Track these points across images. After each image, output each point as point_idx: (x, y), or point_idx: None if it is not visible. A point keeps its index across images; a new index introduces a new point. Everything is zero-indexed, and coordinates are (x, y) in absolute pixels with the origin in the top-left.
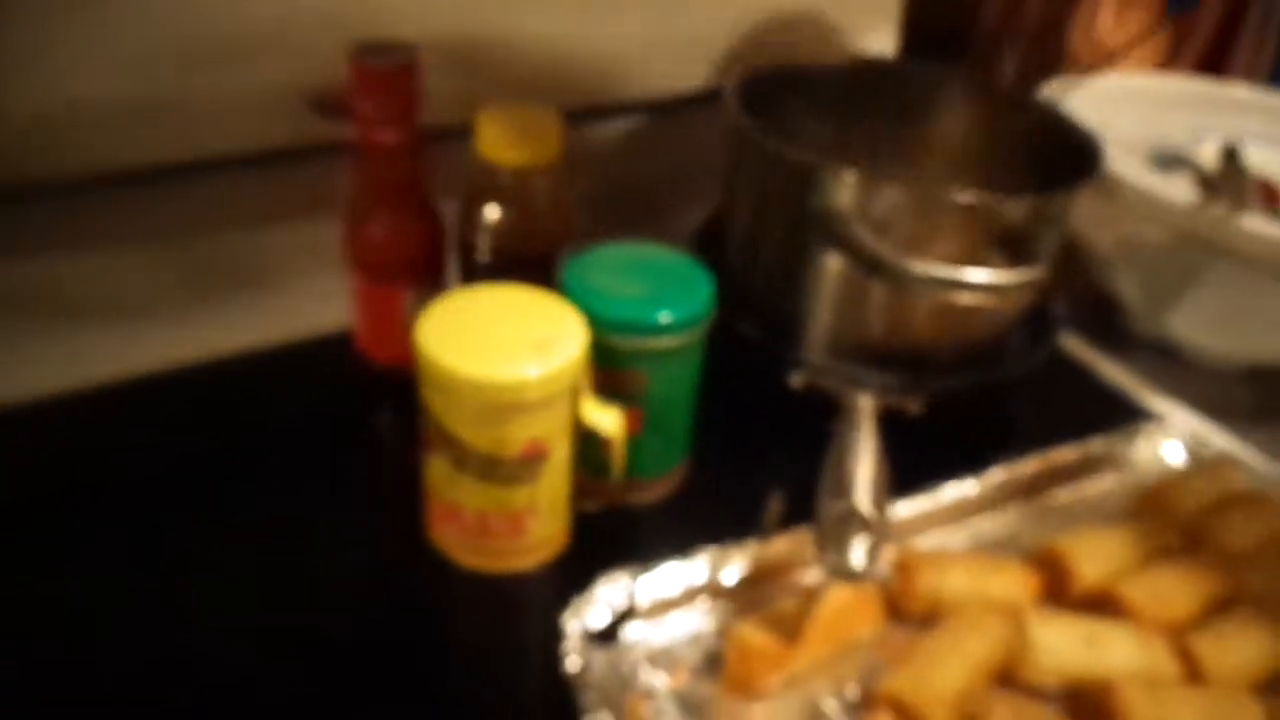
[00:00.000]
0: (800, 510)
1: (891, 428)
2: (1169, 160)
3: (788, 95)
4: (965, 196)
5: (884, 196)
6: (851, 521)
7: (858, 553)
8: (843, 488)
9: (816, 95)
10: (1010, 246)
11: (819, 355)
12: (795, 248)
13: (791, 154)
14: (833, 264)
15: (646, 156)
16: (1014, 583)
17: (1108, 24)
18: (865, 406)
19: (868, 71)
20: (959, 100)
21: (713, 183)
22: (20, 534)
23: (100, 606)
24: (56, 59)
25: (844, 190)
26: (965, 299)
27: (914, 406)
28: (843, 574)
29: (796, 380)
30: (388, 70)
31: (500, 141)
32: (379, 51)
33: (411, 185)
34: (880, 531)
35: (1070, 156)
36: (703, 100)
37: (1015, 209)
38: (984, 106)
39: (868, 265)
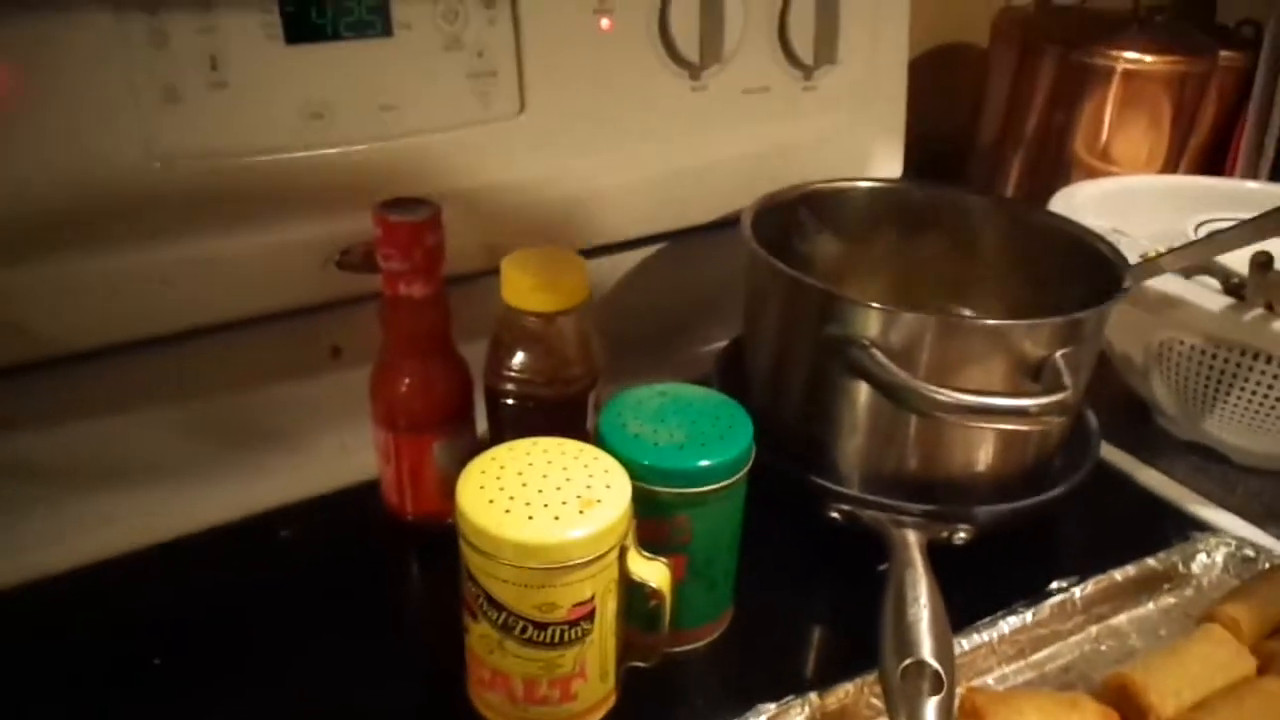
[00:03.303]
0: (853, 652)
1: (936, 557)
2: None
3: (801, 221)
4: (990, 321)
5: (905, 325)
6: (921, 678)
7: (930, 714)
8: (906, 641)
9: (830, 219)
10: (1041, 367)
11: (855, 487)
12: (821, 376)
13: (809, 283)
14: (862, 393)
15: (665, 286)
16: None
17: (1110, 129)
18: (914, 541)
19: (880, 193)
20: (977, 218)
21: (733, 306)
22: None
23: None
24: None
25: (864, 319)
26: (995, 425)
27: (961, 537)
28: None
29: (835, 516)
30: (414, 223)
31: (526, 288)
32: (401, 207)
33: (439, 335)
34: (951, 685)
35: (1095, 268)
36: (717, 226)
37: (1044, 332)
38: (1003, 222)
39: (891, 395)
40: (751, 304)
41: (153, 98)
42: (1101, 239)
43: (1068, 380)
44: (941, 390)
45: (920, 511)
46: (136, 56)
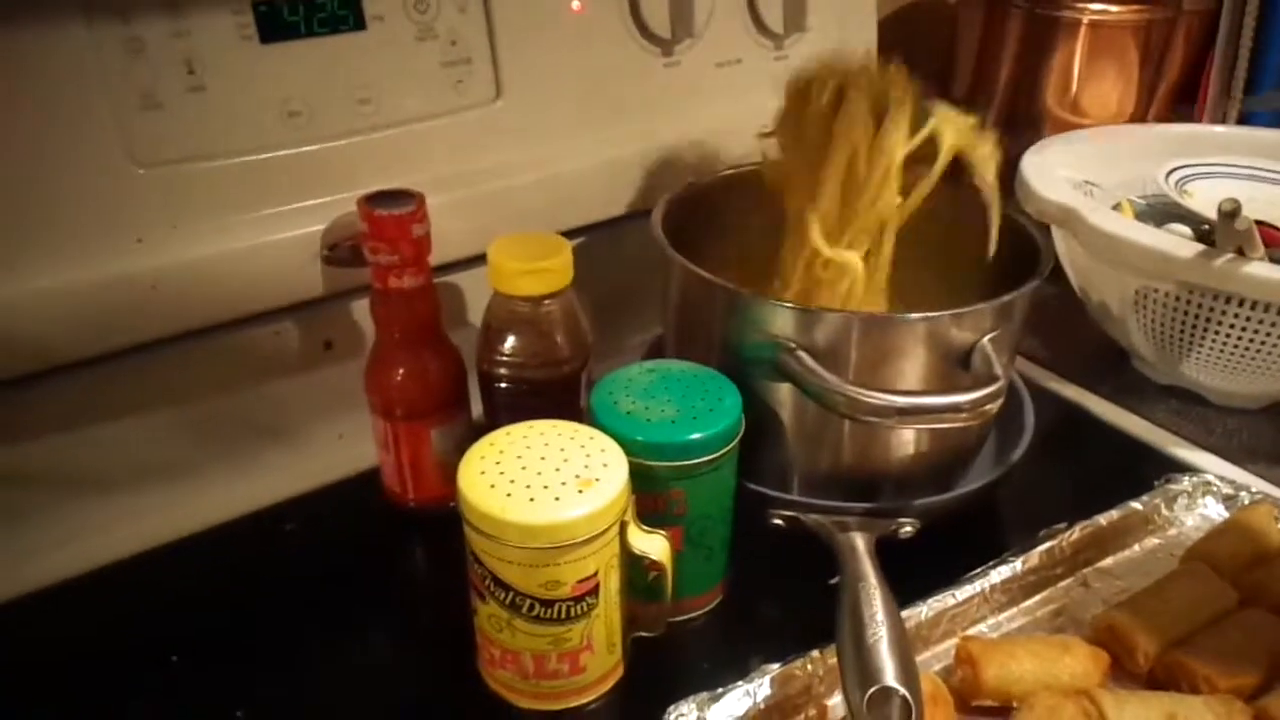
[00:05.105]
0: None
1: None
2: (1159, 208)
3: (723, 202)
4: (914, 315)
5: (830, 324)
6: (888, 705)
7: None
8: (869, 668)
9: (751, 201)
10: (970, 353)
11: (795, 491)
12: (750, 381)
13: (722, 284)
14: (792, 395)
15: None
16: (1083, 663)
17: (1079, 80)
18: (862, 546)
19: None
20: None
21: (654, 301)
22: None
23: None
24: None
25: (786, 320)
26: (930, 426)
27: (907, 532)
28: None
29: (778, 523)
30: (400, 216)
31: (513, 273)
32: (385, 199)
33: (430, 325)
34: (920, 711)
35: (1018, 245)
36: (638, 216)
37: (970, 320)
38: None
39: (821, 400)
40: (670, 307)
41: (132, 104)
42: (1022, 214)
43: (999, 369)
44: (873, 394)
45: (862, 510)
46: (113, 64)
